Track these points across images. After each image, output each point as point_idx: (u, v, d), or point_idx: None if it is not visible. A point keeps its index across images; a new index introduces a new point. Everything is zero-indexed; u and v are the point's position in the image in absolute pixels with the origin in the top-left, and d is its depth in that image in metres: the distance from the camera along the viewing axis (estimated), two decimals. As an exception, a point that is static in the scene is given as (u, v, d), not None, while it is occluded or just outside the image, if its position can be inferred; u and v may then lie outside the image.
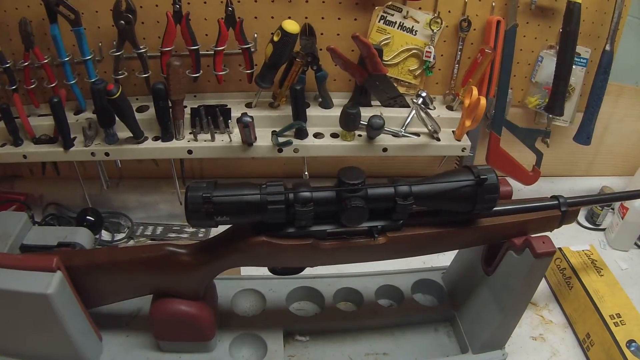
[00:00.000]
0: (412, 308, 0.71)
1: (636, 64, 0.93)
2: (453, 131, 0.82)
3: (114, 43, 0.77)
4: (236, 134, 0.78)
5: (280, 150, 0.78)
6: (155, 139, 0.79)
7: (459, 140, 0.81)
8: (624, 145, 1.02)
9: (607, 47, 0.82)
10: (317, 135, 0.81)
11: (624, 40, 0.86)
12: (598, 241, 0.94)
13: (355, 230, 0.52)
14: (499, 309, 0.60)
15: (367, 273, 0.74)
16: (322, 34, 0.81)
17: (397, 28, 0.82)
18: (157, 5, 0.77)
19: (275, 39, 0.74)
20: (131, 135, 0.77)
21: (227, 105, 0.81)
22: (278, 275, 0.60)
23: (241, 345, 0.64)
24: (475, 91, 0.75)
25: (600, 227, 0.97)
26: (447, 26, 0.82)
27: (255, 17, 0.79)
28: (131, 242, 0.87)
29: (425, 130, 0.81)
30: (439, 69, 0.86)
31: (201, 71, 0.80)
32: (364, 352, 0.65)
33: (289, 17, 0.78)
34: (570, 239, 0.89)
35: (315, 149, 0.79)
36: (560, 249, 0.81)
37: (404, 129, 0.81)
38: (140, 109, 0.82)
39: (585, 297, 0.72)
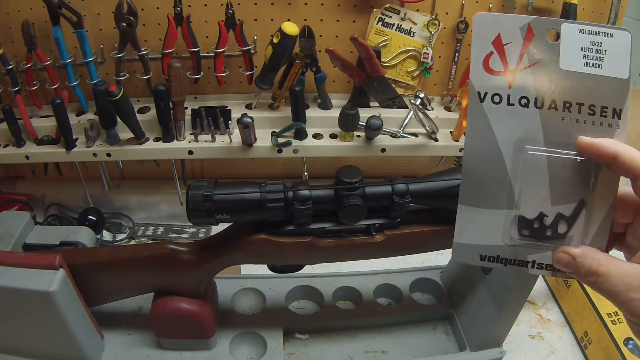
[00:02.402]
0: (410, 306, 0.71)
1: (634, 64, 0.94)
2: (451, 132, 0.83)
3: (116, 45, 0.78)
4: (236, 135, 0.79)
5: (279, 151, 0.79)
6: (157, 139, 0.79)
7: (457, 141, 0.82)
8: (622, 145, 1.02)
9: (604, 48, 0.83)
10: (317, 135, 0.82)
11: (620, 42, 0.87)
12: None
13: (353, 228, 0.53)
14: (496, 307, 0.61)
15: (366, 272, 0.75)
16: (321, 35, 0.81)
17: (395, 30, 0.83)
18: (158, 8, 0.78)
19: (275, 41, 0.75)
20: (132, 136, 0.78)
21: (227, 107, 0.82)
22: (278, 273, 0.60)
23: (241, 343, 0.64)
24: (472, 92, 0.76)
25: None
26: (444, 28, 0.83)
27: (255, 20, 0.80)
28: (132, 243, 0.88)
29: (423, 130, 0.82)
30: (437, 70, 0.87)
31: (202, 73, 0.81)
32: (362, 350, 0.66)
33: (289, 20, 0.79)
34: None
35: (315, 149, 0.80)
36: (557, 248, 0.81)
37: (402, 130, 0.81)
38: (142, 110, 0.82)
39: (582, 296, 0.72)
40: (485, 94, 0.35)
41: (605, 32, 0.34)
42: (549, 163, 0.35)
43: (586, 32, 0.34)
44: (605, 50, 0.34)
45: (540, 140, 0.35)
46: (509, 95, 0.35)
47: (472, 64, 0.35)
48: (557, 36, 0.34)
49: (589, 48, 0.34)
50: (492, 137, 0.35)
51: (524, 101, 0.35)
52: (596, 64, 0.34)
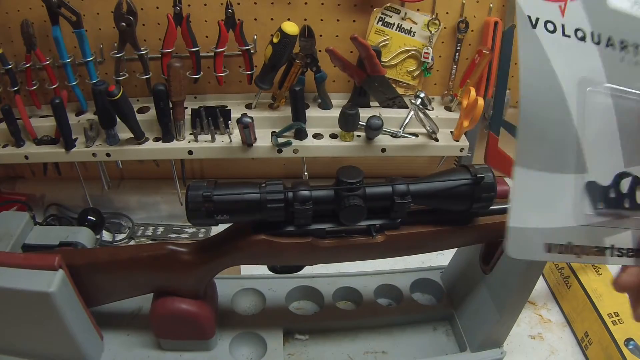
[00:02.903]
0: (410, 307, 0.71)
1: None
2: (451, 132, 0.83)
3: (115, 45, 0.77)
4: (236, 135, 0.78)
5: (279, 151, 0.79)
6: (156, 139, 0.79)
7: (457, 141, 0.82)
8: (622, 145, 1.02)
9: (604, 48, 0.83)
10: (317, 135, 0.81)
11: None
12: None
13: (353, 228, 0.53)
14: (497, 307, 0.61)
15: (366, 272, 0.75)
16: (321, 35, 0.81)
17: (396, 29, 0.82)
18: (157, 7, 0.78)
19: (275, 40, 0.75)
20: (132, 136, 0.78)
21: (227, 107, 0.82)
22: (278, 273, 0.60)
23: (241, 343, 0.64)
24: (473, 92, 0.76)
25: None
26: (445, 27, 0.83)
27: (255, 19, 0.80)
28: (132, 243, 0.88)
29: (424, 130, 0.81)
30: (437, 70, 0.87)
31: (201, 73, 0.80)
32: (362, 351, 0.66)
33: (289, 19, 0.78)
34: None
35: (315, 149, 0.80)
36: (558, 248, 0.81)
37: (403, 130, 0.81)
38: (141, 110, 0.82)
39: (583, 296, 0.72)
40: (537, 19, 0.28)
41: None
42: (618, 111, 0.30)
43: None
44: None
45: (604, 83, 0.30)
46: (563, 25, 0.29)
47: None
48: None
49: None
50: (551, 73, 0.29)
51: (580, 34, 0.29)
52: None
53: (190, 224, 0.89)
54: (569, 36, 0.29)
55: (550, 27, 0.29)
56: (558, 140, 0.29)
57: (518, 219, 0.29)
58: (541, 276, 0.82)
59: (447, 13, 0.82)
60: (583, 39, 0.29)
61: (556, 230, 0.30)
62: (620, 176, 0.30)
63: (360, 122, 0.78)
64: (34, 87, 0.79)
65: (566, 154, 0.30)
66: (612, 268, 0.81)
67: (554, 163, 0.29)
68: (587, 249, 0.31)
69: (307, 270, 0.61)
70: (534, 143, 0.29)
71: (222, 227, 0.54)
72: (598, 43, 0.29)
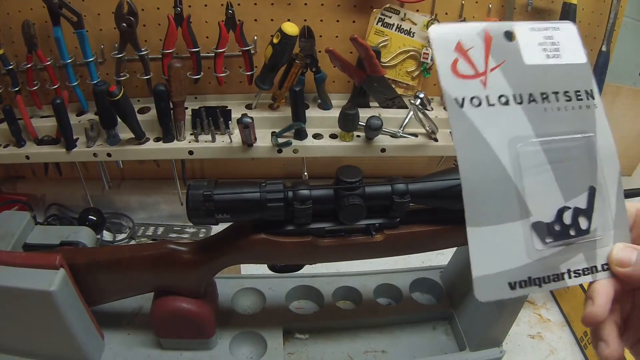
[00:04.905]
0: (410, 306, 0.71)
1: (633, 64, 0.94)
2: (450, 132, 0.83)
3: (116, 45, 0.78)
4: (236, 135, 0.79)
5: (279, 151, 0.79)
6: (157, 140, 0.80)
7: (457, 141, 0.82)
8: (621, 145, 1.00)
9: (604, 48, 0.83)
10: (316, 136, 0.82)
11: (620, 41, 0.87)
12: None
13: (353, 228, 0.53)
14: (496, 306, 0.61)
15: (365, 272, 0.75)
16: (320, 36, 0.82)
17: (395, 30, 0.83)
18: (158, 8, 0.78)
19: (275, 41, 0.75)
20: (133, 136, 0.78)
21: (227, 107, 0.82)
22: (278, 272, 0.60)
23: (241, 343, 0.64)
24: (472, 92, 0.76)
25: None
26: (444, 28, 0.83)
27: (255, 20, 0.81)
28: (132, 243, 0.88)
29: (423, 131, 0.82)
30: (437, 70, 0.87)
31: (202, 73, 0.81)
32: (362, 350, 0.66)
33: (289, 20, 0.79)
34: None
35: (315, 149, 0.80)
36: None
37: (402, 130, 0.81)
38: (142, 111, 0.83)
39: (582, 296, 0.72)
40: (463, 98, 0.33)
41: (552, 27, 0.35)
42: (548, 156, 0.34)
43: (536, 30, 0.35)
44: (559, 42, 0.35)
45: (532, 135, 0.34)
46: (487, 97, 0.33)
47: (440, 73, 0.33)
48: (514, 36, 0.35)
49: (544, 42, 0.35)
50: (483, 142, 0.33)
51: (503, 99, 0.34)
52: (556, 54, 0.35)
53: (190, 225, 0.90)
54: (493, 105, 0.34)
55: (475, 102, 0.33)
56: (500, 197, 0.34)
57: (479, 269, 0.33)
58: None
59: (446, 14, 0.82)
60: (507, 103, 0.34)
61: (515, 269, 0.34)
62: (561, 210, 0.34)
63: (359, 123, 0.78)
64: (35, 88, 0.80)
65: (509, 206, 0.34)
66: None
67: (499, 216, 0.34)
68: (546, 278, 0.34)
69: (307, 269, 0.61)
70: (479, 205, 0.33)
71: (222, 227, 0.54)
72: (520, 102, 0.34)
